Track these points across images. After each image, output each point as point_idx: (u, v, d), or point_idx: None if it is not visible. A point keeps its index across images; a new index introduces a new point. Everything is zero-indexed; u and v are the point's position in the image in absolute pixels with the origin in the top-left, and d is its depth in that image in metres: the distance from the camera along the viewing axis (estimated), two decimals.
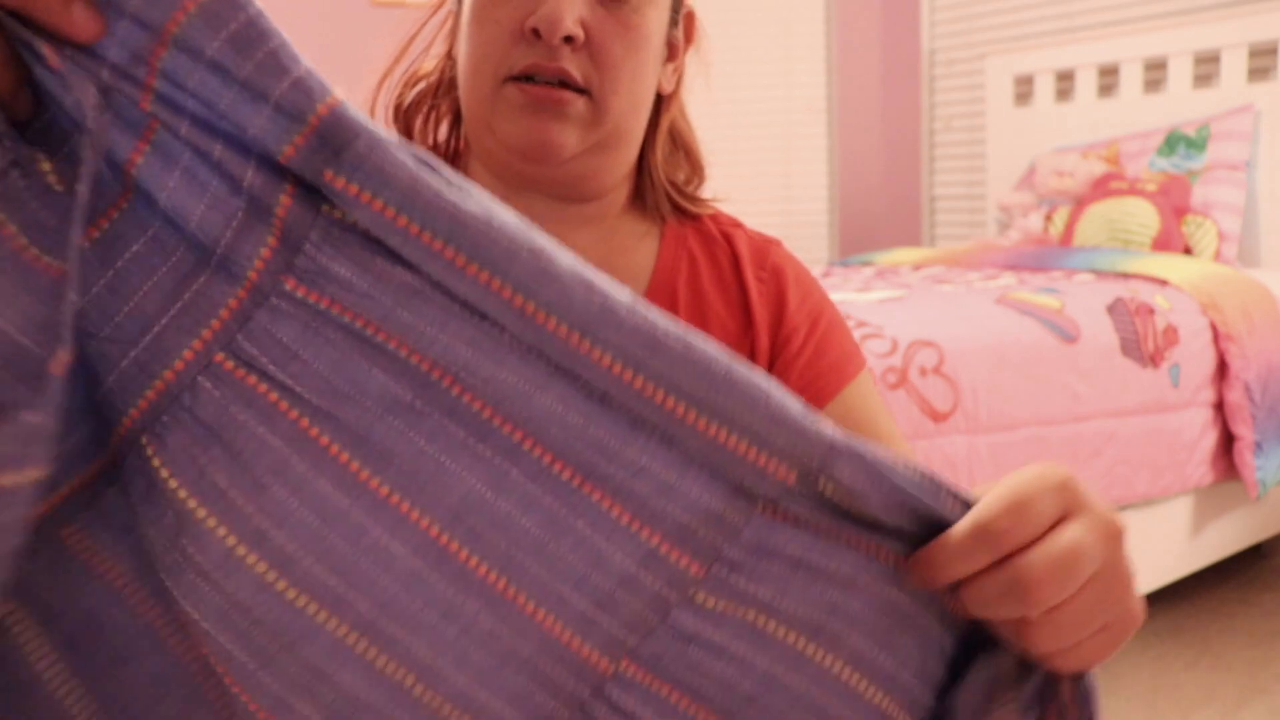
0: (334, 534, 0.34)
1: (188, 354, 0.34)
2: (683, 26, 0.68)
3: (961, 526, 0.34)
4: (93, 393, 0.35)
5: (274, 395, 0.34)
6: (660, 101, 0.68)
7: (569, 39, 0.58)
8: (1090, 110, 2.64)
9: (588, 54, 0.59)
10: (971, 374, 1.46)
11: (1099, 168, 2.42)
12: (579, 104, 0.60)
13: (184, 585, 0.34)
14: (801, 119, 3.33)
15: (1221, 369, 1.80)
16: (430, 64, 0.70)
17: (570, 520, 0.35)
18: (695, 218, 0.71)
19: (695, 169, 0.73)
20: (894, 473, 0.35)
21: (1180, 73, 2.46)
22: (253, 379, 0.34)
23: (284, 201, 0.34)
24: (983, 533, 0.34)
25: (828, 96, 3.34)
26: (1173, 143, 2.34)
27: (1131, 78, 2.55)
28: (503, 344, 0.34)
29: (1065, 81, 2.72)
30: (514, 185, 0.64)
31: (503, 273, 0.33)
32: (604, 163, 0.64)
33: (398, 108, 0.70)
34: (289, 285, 0.34)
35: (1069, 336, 1.61)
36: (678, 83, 0.70)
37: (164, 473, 0.34)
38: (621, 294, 0.35)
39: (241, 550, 0.34)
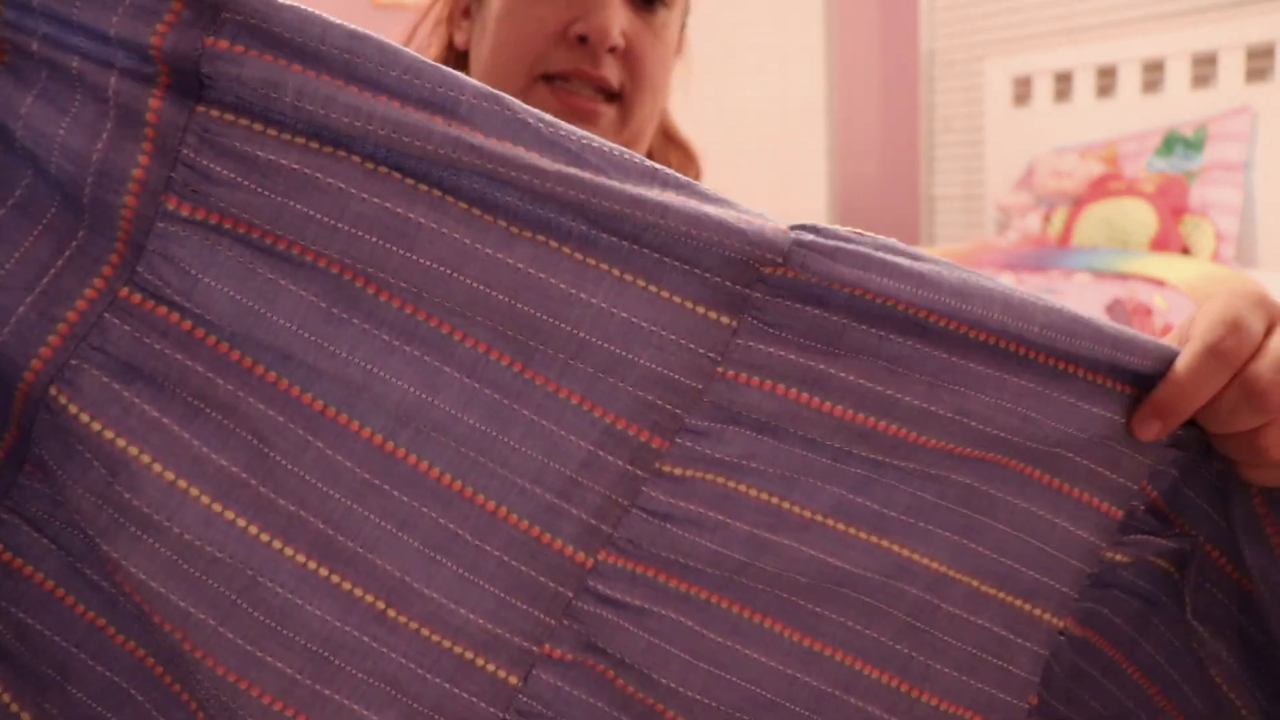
0: (274, 452, 0.32)
1: (89, 293, 0.32)
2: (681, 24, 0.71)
3: (1190, 356, 0.35)
4: None
5: (186, 323, 0.32)
6: None
7: (614, 49, 0.60)
8: (1088, 111, 2.65)
9: (624, 62, 0.62)
10: None
11: (1097, 168, 2.43)
12: (610, 113, 0.62)
13: (124, 543, 0.31)
14: (800, 120, 3.33)
15: None
16: (431, 53, 0.71)
17: (516, 409, 0.33)
18: None
19: (690, 160, 0.76)
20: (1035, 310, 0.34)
21: (1178, 74, 2.47)
22: (162, 309, 0.32)
23: (153, 105, 0.31)
24: (1215, 354, 0.34)
25: (827, 97, 3.34)
26: (1171, 144, 2.35)
27: (1129, 79, 2.56)
28: (412, 222, 0.32)
29: (1064, 83, 2.73)
30: None
31: (410, 94, 0.31)
32: None
33: None
34: (171, 204, 0.31)
35: None
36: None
37: (84, 417, 0.31)
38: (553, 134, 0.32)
39: (182, 483, 0.31)
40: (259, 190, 0.31)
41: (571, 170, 0.32)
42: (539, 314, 0.32)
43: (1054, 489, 0.35)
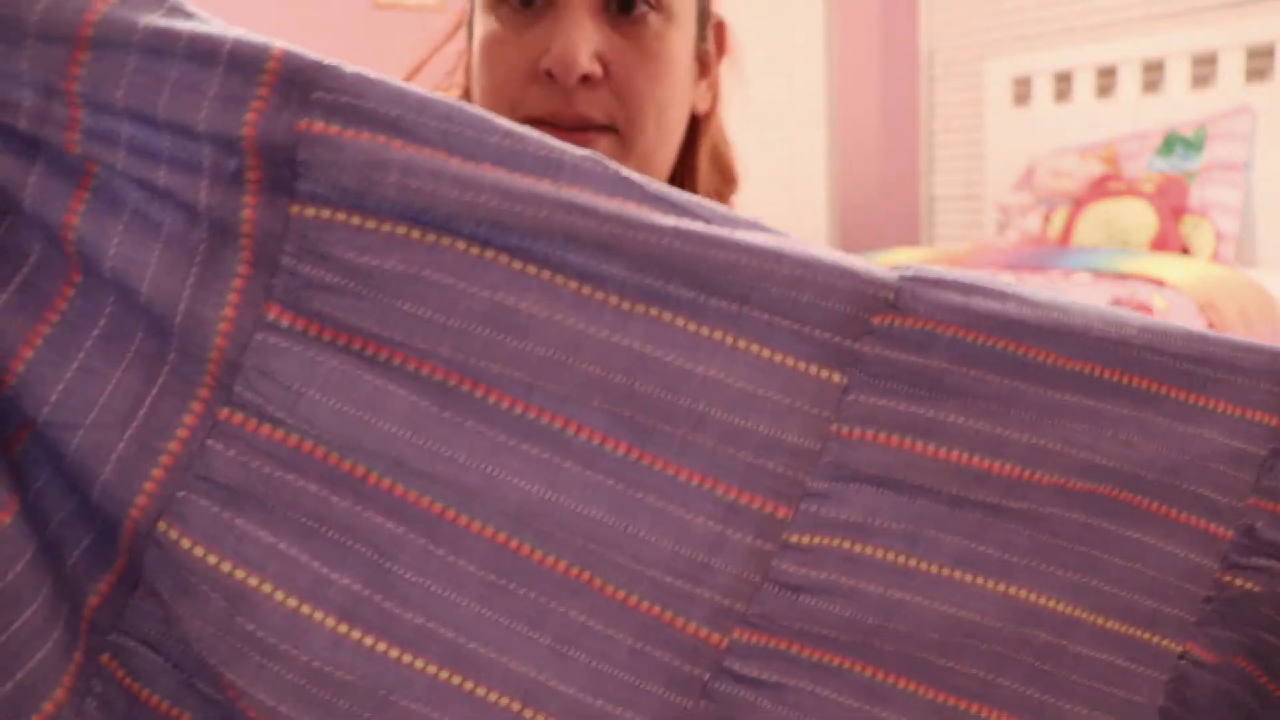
0: (396, 565, 0.31)
1: (188, 419, 0.30)
2: (713, 39, 0.63)
3: None
4: (85, 496, 0.31)
5: (293, 439, 0.31)
6: (695, 123, 0.64)
7: (586, 78, 0.53)
8: (1088, 111, 2.65)
9: (609, 89, 0.54)
10: None
11: (1097, 168, 2.43)
12: (603, 144, 0.55)
13: (249, 671, 0.30)
14: (800, 120, 3.33)
15: None
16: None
17: (638, 496, 0.32)
18: None
19: (728, 180, 0.69)
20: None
21: (1178, 74, 2.47)
22: (266, 428, 0.31)
23: (248, 215, 0.30)
24: None
25: (827, 98, 3.34)
26: (1170, 144, 2.35)
27: (1129, 79, 2.56)
28: (523, 312, 0.31)
29: (1063, 83, 2.73)
30: None
31: (515, 160, 0.30)
32: None
33: None
34: (272, 314, 0.30)
35: None
36: (714, 99, 0.65)
37: (198, 551, 0.30)
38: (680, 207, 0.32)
39: (306, 608, 0.30)
40: (364, 293, 0.30)
41: (685, 223, 0.31)
42: (655, 392, 0.32)
43: (1160, 515, 0.35)
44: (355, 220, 0.30)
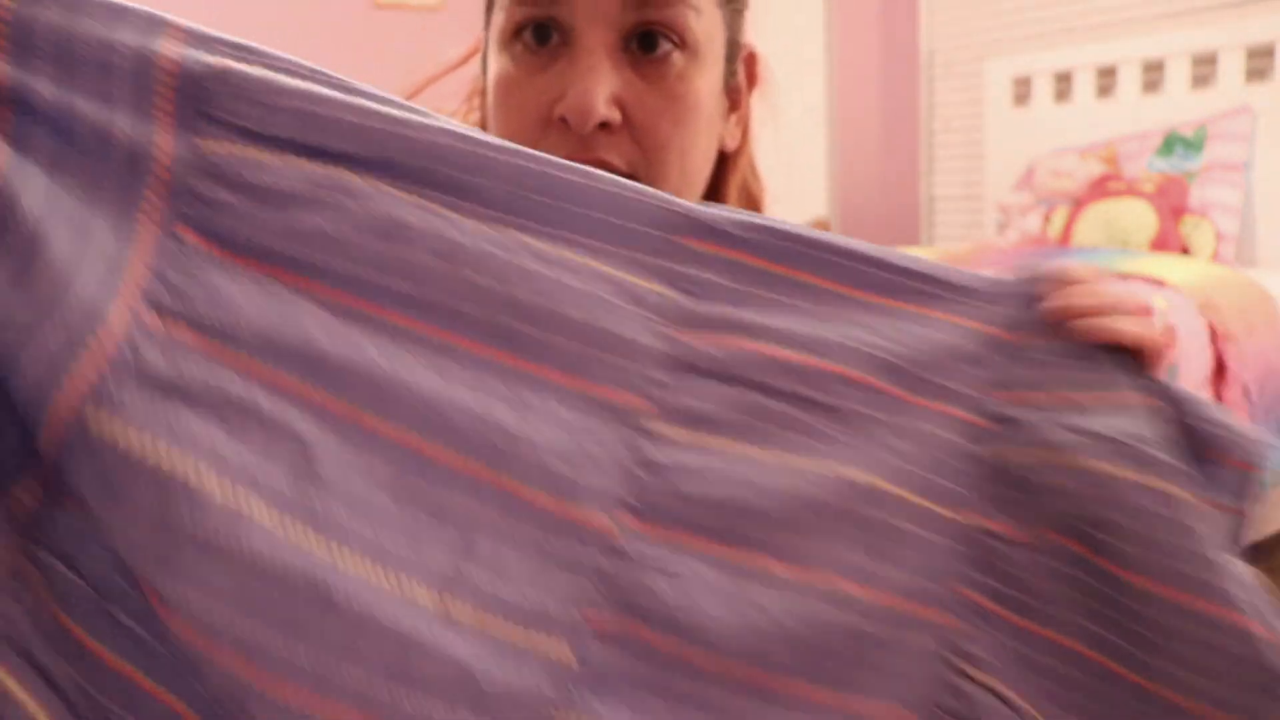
0: (317, 464, 0.33)
1: (114, 318, 0.31)
2: (743, 71, 0.60)
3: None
4: (3, 390, 0.31)
5: (215, 343, 0.32)
6: (725, 158, 0.61)
7: (604, 124, 0.51)
8: (1088, 111, 2.65)
9: (629, 134, 0.52)
10: None
11: (1097, 169, 2.43)
12: None
13: (182, 574, 0.30)
14: (801, 120, 3.33)
15: (1219, 369, 1.80)
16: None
17: (523, 397, 0.36)
18: None
19: (753, 210, 0.64)
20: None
21: (1178, 74, 2.47)
22: (190, 332, 0.32)
23: (160, 144, 0.33)
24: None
25: (827, 98, 3.34)
26: (1170, 144, 2.35)
27: (1129, 79, 2.56)
28: (407, 225, 0.35)
29: (1063, 83, 2.73)
30: None
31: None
32: None
33: None
34: (190, 239, 0.33)
35: None
36: (745, 134, 0.62)
37: (130, 437, 0.30)
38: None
39: (241, 497, 0.31)
40: (266, 215, 0.34)
41: (527, 161, 0.38)
42: (525, 299, 0.36)
43: (921, 405, 0.41)
44: (257, 150, 0.34)
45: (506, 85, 0.54)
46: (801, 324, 0.40)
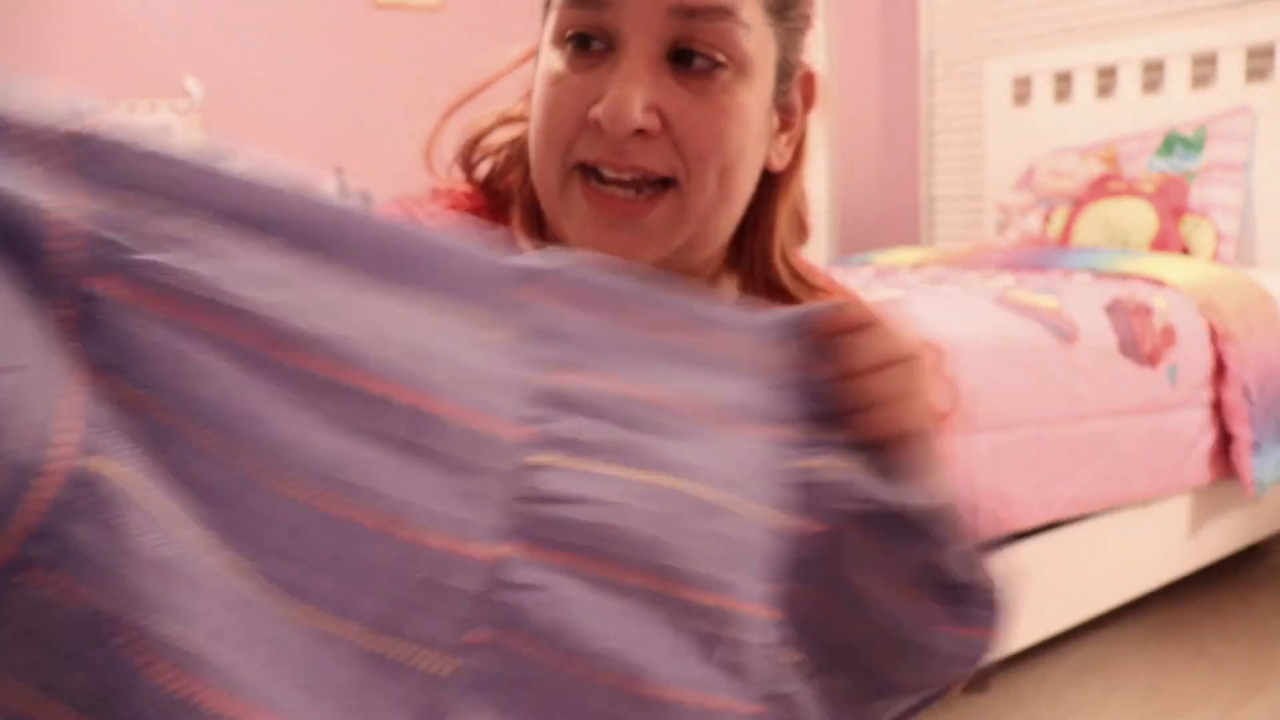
0: (216, 513, 0.34)
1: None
2: (800, 90, 0.60)
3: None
4: None
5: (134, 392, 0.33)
6: (772, 178, 0.60)
7: (640, 132, 0.51)
8: (1088, 111, 2.65)
9: (669, 142, 0.52)
10: (970, 374, 1.47)
11: (1097, 168, 2.43)
12: (659, 209, 0.53)
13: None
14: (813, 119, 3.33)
15: (1219, 369, 1.81)
16: (488, 115, 0.63)
17: (416, 440, 0.37)
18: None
19: (800, 233, 0.65)
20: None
21: (1178, 74, 2.47)
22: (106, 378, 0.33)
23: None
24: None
25: (827, 97, 3.34)
26: (1170, 144, 2.35)
27: (1129, 79, 2.56)
28: (288, 277, 0.36)
29: (1063, 83, 2.73)
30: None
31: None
32: (690, 256, 0.57)
33: (458, 157, 0.64)
34: (100, 288, 0.33)
35: (1067, 337, 1.62)
36: (798, 155, 0.61)
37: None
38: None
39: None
40: (171, 264, 0.34)
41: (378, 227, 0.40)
42: (410, 339, 0.38)
43: (737, 429, 0.46)
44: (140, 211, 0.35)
45: (550, 83, 0.54)
46: (628, 362, 0.44)
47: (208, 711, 0.31)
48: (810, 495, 0.47)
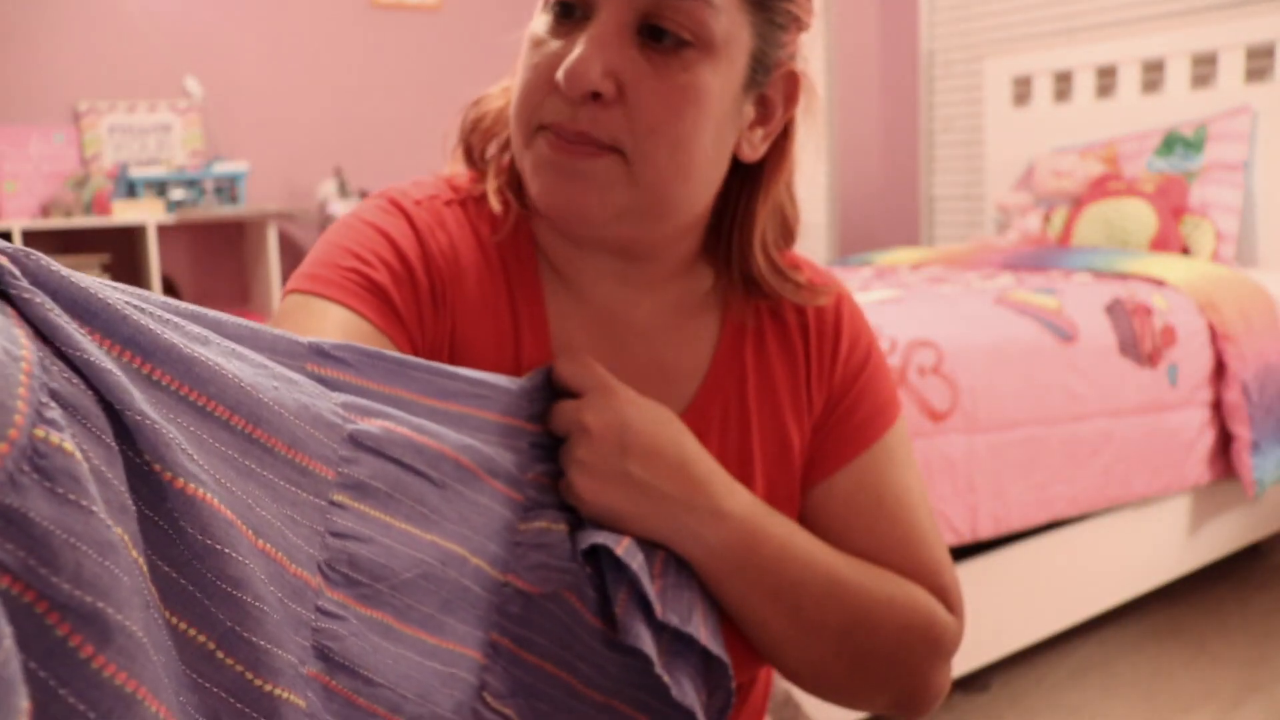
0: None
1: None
2: (782, 87, 0.60)
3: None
4: None
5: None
6: (755, 173, 0.62)
7: (597, 95, 0.52)
8: (1088, 111, 2.65)
9: (623, 110, 0.53)
10: (970, 374, 1.47)
11: (1097, 168, 2.43)
12: (604, 162, 0.54)
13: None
14: (800, 120, 3.33)
15: (1219, 369, 1.81)
16: (495, 90, 0.65)
17: (261, 473, 0.40)
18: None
19: (786, 236, 0.66)
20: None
21: (1178, 74, 2.47)
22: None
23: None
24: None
25: (827, 97, 3.34)
26: (1170, 143, 2.35)
27: (1129, 79, 2.56)
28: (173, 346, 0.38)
29: (1063, 82, 2.73)
30: (574, 242, 0.60)
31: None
32: (648, 229, 0.58)
33: (464, 136, 0.65)
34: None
35: (1067, 336, 1.62)
36: (780, 151, 0.62)
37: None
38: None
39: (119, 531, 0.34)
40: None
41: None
42: (259, 397, 0.41)
43: (490, 484, 0.51)
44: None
45: (531, 46, 0.56)
46: (413, 415, 0.48)
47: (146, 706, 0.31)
48: (532, 557, 0.51)
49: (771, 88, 0.60)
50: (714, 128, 0.56)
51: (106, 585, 0.30)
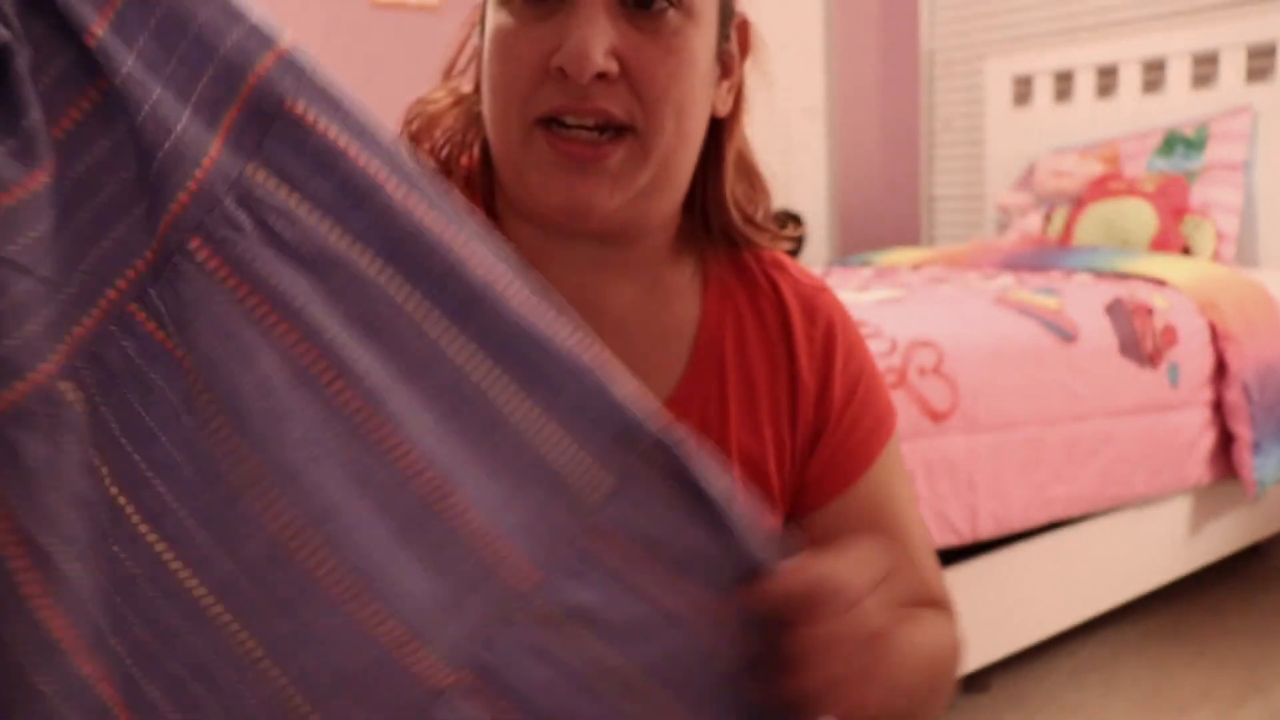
0: (209, 492, 0.35)
1: (103, 303, 0.35)
2: (736, 38, 0.61)
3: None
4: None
5: (178, 351, 0.35)
6: (719, 126, 0.62)
7: (602, 75, 0.52)
8: (1089, 111, 2.65)
9: (627, 85, 0.53)
10: (970, 374, 1.47)
11: (1097, 168, 2.43)
12: (620, 152, 0.53)
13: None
14: (800, 120, 3.33)
15: (1220, 369, 1.80)
16: (440, 93, 0.64)
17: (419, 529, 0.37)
18: (739, 256, 0.65)
19: (759, 191, 0.66)
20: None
21: (1179, 74, 2.47)
22: (160, 333, 0.35)
23: (212, 150, 0.35)
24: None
25: (827, 97, 3.34)
26: (1171, 143, 2.35)
27: (1130, 79, 2.56)
28: (391, 319, 0.37)
29: (1064, 82, 2.73)
30: (552, 233, 0.59)
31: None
32: (651, 205, 0.58)
33: (410, 137, 0.64)
34: (193, 244, 0.35)
35: (1068, 336, 1.62)
36: (737, 102, 0.62)
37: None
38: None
39: (123, 499, 0.35)
40: (277, 259, 0.35)
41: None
42: (478, 400, 0.39)
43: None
44: (291, 200, 0.36)
45: (504, 38, 0.54)
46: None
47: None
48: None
49: (731, 41, 0.61)
50: (703, 88, 0.57)
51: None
